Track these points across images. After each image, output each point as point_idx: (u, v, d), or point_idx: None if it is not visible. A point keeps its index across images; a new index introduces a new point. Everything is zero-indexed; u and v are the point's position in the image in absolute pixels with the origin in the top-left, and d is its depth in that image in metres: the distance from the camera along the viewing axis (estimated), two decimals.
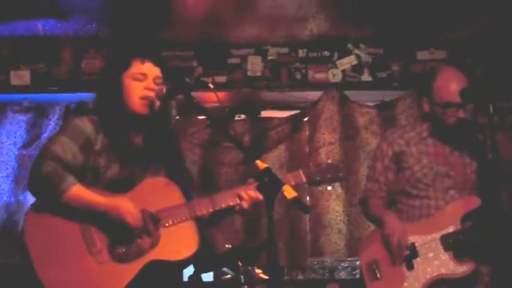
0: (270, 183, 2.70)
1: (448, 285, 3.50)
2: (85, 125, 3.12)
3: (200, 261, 4.27)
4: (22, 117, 6.04)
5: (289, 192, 2.64)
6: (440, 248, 3.52)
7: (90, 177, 3.08)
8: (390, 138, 3.84)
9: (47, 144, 3.10)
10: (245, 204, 3.15)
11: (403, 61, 6.08)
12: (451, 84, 3.54)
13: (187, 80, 5.88)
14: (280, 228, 5.81)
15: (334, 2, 5.27)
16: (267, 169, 2.71)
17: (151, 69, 3.20)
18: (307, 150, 6.04)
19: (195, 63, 6.04)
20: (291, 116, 6.18)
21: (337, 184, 5.76)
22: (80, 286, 2.92)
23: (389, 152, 3.79)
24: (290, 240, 5.88)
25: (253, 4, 5.25)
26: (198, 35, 5.85)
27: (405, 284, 3.52)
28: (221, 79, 6.03)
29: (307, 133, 6.11)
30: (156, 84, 3.16)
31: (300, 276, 5.40)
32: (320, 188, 5.78)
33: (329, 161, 3.38)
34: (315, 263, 5.31)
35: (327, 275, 5.20)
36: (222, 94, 6.01)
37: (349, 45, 6.08)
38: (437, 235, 3.53)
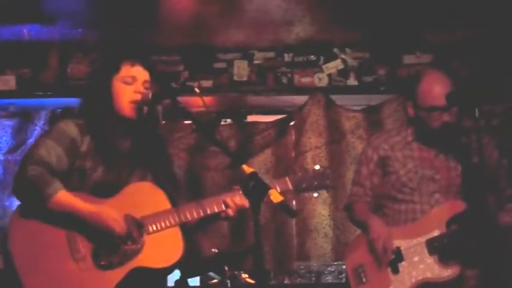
0: (256, 188, 2.70)
1: None
2: (70, 128, 3.11)
3: (186, 265, 4.26)
4: (8, 123, 5.98)
5: (275, 197, 2.64)
6: (426, 251, 3.52)
7: (76, 179, 3.07)
8: (375, 143, 3.84)
9: (32, 147, 3.09)
10: (231, 212, 3.15)
11: (389, 65, 6.05)
12: (435, 88, 3.54)
13: (173, 84, 5.86)
14: (266, 232, 5.80)
15: (320, 6, 5.26)
16: (253, 173, 2.71)
17: (140, 73, 3.18)
18: (294, 154, 6.03)
19: (181, 68, 6.02)
20: (277, 120, 6.17)
21: None
22: None
23: (375, 156, 3.79)
24: (276, 245, 5.87)
25: (239, 8, 5.23)
26: (184, 40, 5.83)
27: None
28: (207, 83, 6.01)
29: (293, 137, 6.10)
30: (145, 88, 3.15)
31: (287, 281, 5.41)
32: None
33: (316, 166, 3.35)
34: (302, 267, 5.32)
35: (313, 279, 5.21)
36: (208, 99, 5.97)
37: (335, 50, 6.06)
38: (423, 239, 3.54)
